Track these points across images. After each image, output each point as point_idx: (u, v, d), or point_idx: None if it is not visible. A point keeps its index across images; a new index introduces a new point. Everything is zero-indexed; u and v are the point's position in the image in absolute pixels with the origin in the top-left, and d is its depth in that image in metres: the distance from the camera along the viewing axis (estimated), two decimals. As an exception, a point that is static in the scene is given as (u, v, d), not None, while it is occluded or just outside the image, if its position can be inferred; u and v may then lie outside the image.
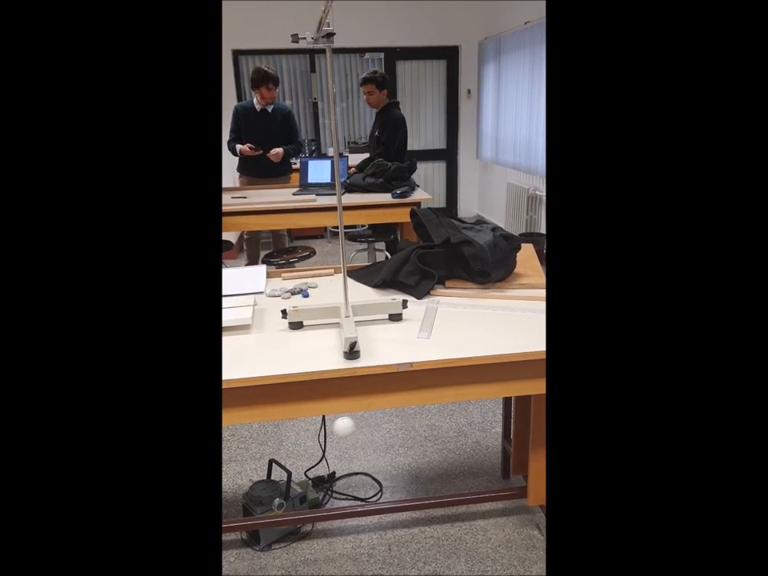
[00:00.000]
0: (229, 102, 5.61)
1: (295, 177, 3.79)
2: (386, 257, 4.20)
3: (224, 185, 5.28)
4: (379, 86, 3.70)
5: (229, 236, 4.71)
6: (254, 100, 3.75)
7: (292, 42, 1.18)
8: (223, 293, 1.64)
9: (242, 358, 1.26)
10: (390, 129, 3.71)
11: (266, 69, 3.62)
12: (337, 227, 1.37)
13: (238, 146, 3.73)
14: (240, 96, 5.75)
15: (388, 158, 3.58)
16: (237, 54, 5.64)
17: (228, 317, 1.44)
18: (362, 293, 1.67)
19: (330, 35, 1.18)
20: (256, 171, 3.84)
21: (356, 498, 2.06)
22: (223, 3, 5.37)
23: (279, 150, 3.72)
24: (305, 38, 1.19)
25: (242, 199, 3.23)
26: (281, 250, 3.68)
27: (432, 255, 1.66)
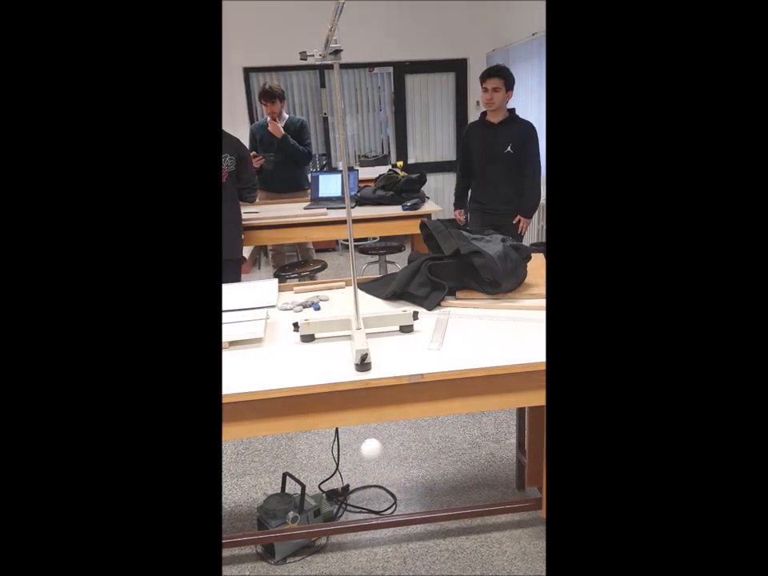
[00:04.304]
0: (240, 119, 5.70)
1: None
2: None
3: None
4: (508, 85, 2.90)
5: (241, 250, 4.74)
6: (268, 117, 3.79)
7: (300, 59, 1.20)
8: (236, 306, 1.66)
9: (255, 371, 1.27)
10: (533, 141, 2.96)
11: (265, 85, 3.64)
12: (348, 240, 1.38)
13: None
14: (251, 112, 5.83)
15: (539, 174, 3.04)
16: (248, 71, 5.72)
17: (240, 330, 1.46)
18: (373, 305, 1.68)
19: (337, 52, 1.20)
20: (272, 186, 3.85)
21: (370, 511, 2.06)
22: (234, 21, 5.47)
23: (279, 125, 3.66)
24: (313, 56, 1.22)
25: (254, 214, 3.27)
26: (293, 263, 3.71)
27: (442, 266, 1.66)
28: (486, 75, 2.87)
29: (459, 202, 3.30)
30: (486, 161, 3.03)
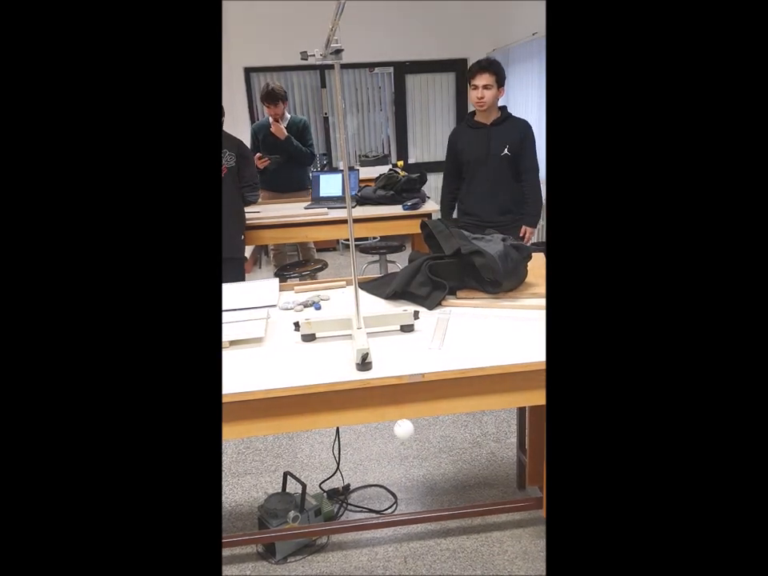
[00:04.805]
0: (241, 119, 5.69)
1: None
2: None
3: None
4: (500, 81, 2.59)
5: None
6: (270, 118, 3.77)
7: (301, 59, 1.20)
8: (237, 306, 1.66)
9: (256, 371, 1.27)
10: (530, 141, 2.70)
11: (267, 86, 3.59)
12: (348, 240, 1.39)
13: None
14: (252, 112, 5.83)
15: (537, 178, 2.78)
16: (248, 71, 5.72)
17: (241, 330, 1.46)
18: (374, 304, 1.68)
19: (338, 52, 1.20)
20: (274, 185, 3.84)
21: (371, 511, 2.06)
22: (235, 21, 5.47)
23: (282, 127, 3.63)
24: (313, 55, 1.22)
25: (256, 213, 3.27)
26: (293, 263, 3.71)
27: (443, 266, 1.67)
28: (476, 70, 2.54)
29: (448, 217, 2.93)
30: (480, 167, 2.70)
